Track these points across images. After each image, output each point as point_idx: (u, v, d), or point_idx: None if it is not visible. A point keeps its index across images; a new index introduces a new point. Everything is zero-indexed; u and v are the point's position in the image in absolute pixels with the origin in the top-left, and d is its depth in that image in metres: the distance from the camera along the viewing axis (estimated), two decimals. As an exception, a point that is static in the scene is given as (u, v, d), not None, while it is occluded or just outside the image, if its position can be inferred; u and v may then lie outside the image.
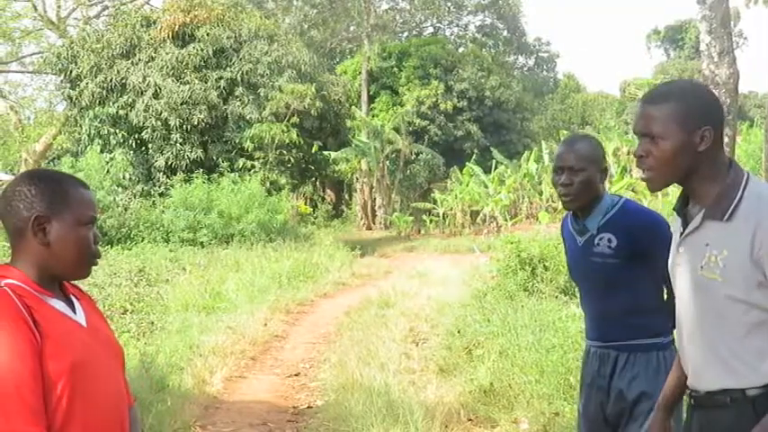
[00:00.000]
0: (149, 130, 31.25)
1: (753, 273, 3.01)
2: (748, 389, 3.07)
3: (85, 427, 2.78)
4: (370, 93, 49.43)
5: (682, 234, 3.27)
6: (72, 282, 3.05)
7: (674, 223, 3.44)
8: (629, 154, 37.33)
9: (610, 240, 4.52)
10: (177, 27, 32.20)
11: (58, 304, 2.88)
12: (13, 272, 2.84)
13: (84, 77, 31.94)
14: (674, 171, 3.17)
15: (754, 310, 3.04)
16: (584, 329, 4.88)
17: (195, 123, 30.76)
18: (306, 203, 44.22)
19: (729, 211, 3.07)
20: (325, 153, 35.75)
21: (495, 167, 41.14)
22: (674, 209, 3.38)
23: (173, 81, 31.19)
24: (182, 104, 30.68)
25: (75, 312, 2.93)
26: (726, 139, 12.64)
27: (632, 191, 33.31)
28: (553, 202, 37.93)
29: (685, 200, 3.31)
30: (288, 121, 31.22)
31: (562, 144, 4.70)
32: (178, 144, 31.16)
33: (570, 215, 4.78)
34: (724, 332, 3.11)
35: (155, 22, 33.33)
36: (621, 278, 4.48)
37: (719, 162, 3.18)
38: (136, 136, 31.87)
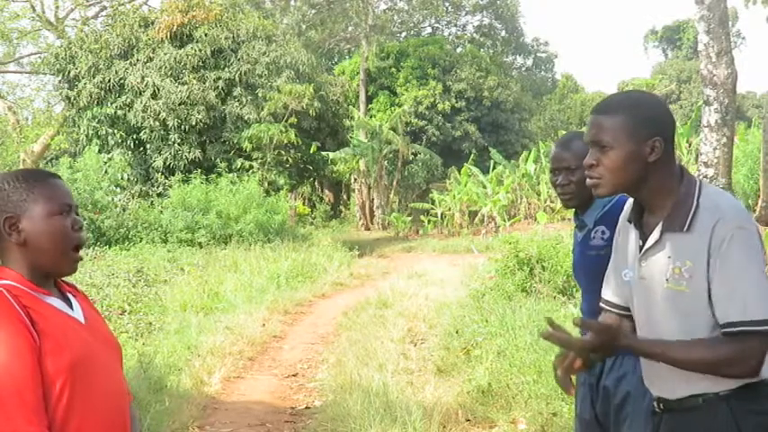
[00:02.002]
0: (147, 130, 31.23)
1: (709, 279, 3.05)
2: (721, 391, 3.10)
3: (87, 423, 2.81)
4: (369, 93, 49.41)
5: (641, 248, 3.30)
6: (66, 280, 3.07)
7: (622, 232, 3.47)
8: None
9: (603, 232, 4.56)
10: (175, 27, 32.18)
11: (56, 302, 2.91)
12: (7, 273, 2.87)
13: (83, 78, 31.94)
14: (622, 180, 3.23)
15: None
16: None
17: (193, 124, 30.74)
18: (304, 204, 44.26)
19: (688, 222, 3.11)
20: (324, 153, 35.68)
21: (494, 168, 41.11)
22: (628, 220, 3.42)
23: (171, 81, 31.17)
24: (180, 105, 30.66)
25: (72, 309, 2.96)
26: (724, 139, 12.68)
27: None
28: (551, 202, 37.93)
29: (639, 211, 3.34)
30: (286, 121, 31.20)
31: (557, 144, 4.74)
32: (176, 144, 31.15)
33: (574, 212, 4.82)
34: None
35: (153, 23, 33.28)
36: None
37: (671, 173, 3.23)
38: (134, 136, 31.87)
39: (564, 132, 31.94)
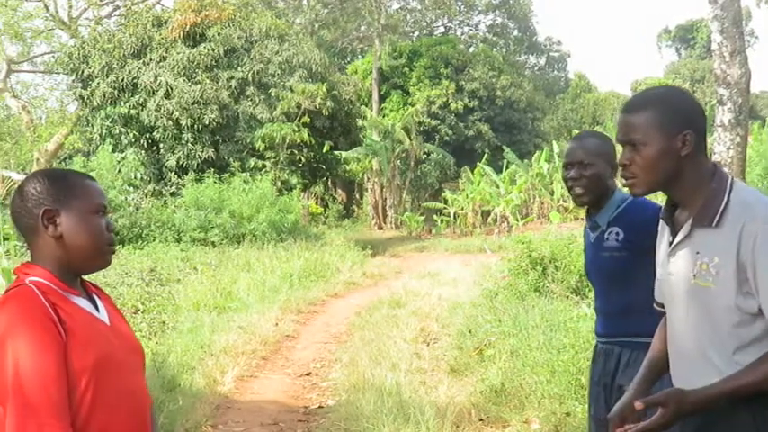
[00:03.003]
0: (161, 129, 31.25)
1: (740, 278, 3.02)
2: None
3: (109, 423, 2.85)
4: (381, 92, 49.47)
5: (671, 243, 3.28)
6: (92, 282, 3.11)
7: (661, 230, 3.45)
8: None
9: (617, 234, 4.57)
10: (188, 27, 32.19)
11: (82, 302, 2.96)
12: (36, 270, 2.91)
13: (96, 77, 31.97)
14: (657, 177, 3.20)
15: (746, 317, 3.04)
16: (594, 327, 4.91)
17: (206, 123, 30.73)
18: (317, 203, 44.23)
19: (717, 218, 3.09)
20: (336, 153, 35.63)
21: (507, 167, 41.03)
22: (660, 217, 3.40)
23: (184, 81, 31.19)
24: (193, 104, 30.65)
25: (98, 310, 3.00)
26: (738, 139, 12.62)
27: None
28: (564, 201, 37.87)
29: (672, 208, 3.32)
30: (299, 120, 31.18)
31: (571, 140, 4.77)
32: (189, 144, 31.16)
33: (585, 212, 4.81)
34: (718, 341, 3.11)
35: (166, 22, 33.30)
36: (629, 273, 4.48)
37: (703, 167, 3.20)
38: (147, 136, 31.89)
39: (577, 131, 31.70)
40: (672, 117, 3.15)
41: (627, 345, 4.46)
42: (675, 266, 3.25)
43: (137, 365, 3.09)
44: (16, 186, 2.99)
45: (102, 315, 3.01)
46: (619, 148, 3.38)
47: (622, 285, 4.52)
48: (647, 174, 3.19)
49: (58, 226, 2.91)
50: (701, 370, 3.14)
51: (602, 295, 4.79)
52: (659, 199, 4.64)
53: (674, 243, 3.25)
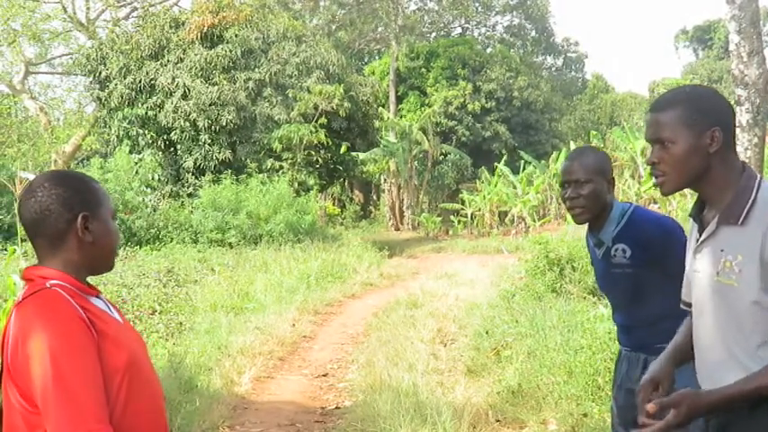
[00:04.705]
0: (178, 130, 31.31)
1: (764, 277, 3.01)
2: None
3: (139, 420, 2.86)
4: (398, 93, 49.45)
5: (698, 240, 3.28)
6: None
7: (691, 229, 3.45)
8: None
9: (624, 251, 4.56)
10: (206, 28, 32.26)
11: (99, 303, 2.95)
12: (51, 272, 2.88)
13: (114, 78, 32.07)
14: (686, 174, 3.20)
15: None
16: (616, 336, 4.90)
17: (224, 124, 30.78)
18: (334, 204, 44.29)
19: (743, 216, 3.08)
20: (354, 154, 35.68)
21: (524, 168, 41.00)
22: (689, 215, 3.40)
23: (201, 82, 31.23)
24: (210, 105, 30.70)
25: (111, 310, 2.99)
26: (755, 139, 12.57)
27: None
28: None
29: (701, 205, 3.32)
30: (316, 121, 31.22)
31: (567, 158, 4.73)
32: (206, 145, 31.20)
33: (587, 228, 4.80)
34: (742, 338, 3.10)
35: (183, 24, 33.35)
36: (644, 286, 4.48)
37: (732, 165, 3.20)
38: (164, 137, 31.94)
39: (595, 133, 31.67)
40: (700, 114, 3.16)
41: (653, 351, 4.40)
42: (701, 264, 3.25)
43: (150, 360, 3.08)
44: (25, 193, 2.90)
45: (115, 313, 3.00)
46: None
47: (642, 300, 4.51)
48: (676, 171, 3.20)
49: (91, 232, 2.90)
50: (726, 366, 3.14)
51: (621, 311, 4.78)
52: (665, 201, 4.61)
53: (700, 240, 3.25)
